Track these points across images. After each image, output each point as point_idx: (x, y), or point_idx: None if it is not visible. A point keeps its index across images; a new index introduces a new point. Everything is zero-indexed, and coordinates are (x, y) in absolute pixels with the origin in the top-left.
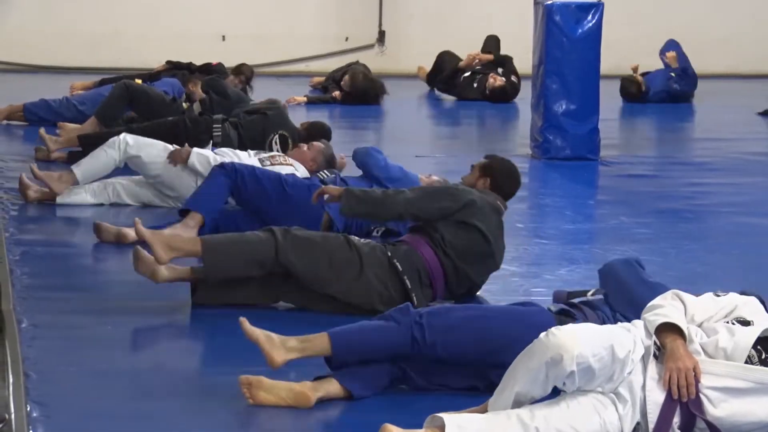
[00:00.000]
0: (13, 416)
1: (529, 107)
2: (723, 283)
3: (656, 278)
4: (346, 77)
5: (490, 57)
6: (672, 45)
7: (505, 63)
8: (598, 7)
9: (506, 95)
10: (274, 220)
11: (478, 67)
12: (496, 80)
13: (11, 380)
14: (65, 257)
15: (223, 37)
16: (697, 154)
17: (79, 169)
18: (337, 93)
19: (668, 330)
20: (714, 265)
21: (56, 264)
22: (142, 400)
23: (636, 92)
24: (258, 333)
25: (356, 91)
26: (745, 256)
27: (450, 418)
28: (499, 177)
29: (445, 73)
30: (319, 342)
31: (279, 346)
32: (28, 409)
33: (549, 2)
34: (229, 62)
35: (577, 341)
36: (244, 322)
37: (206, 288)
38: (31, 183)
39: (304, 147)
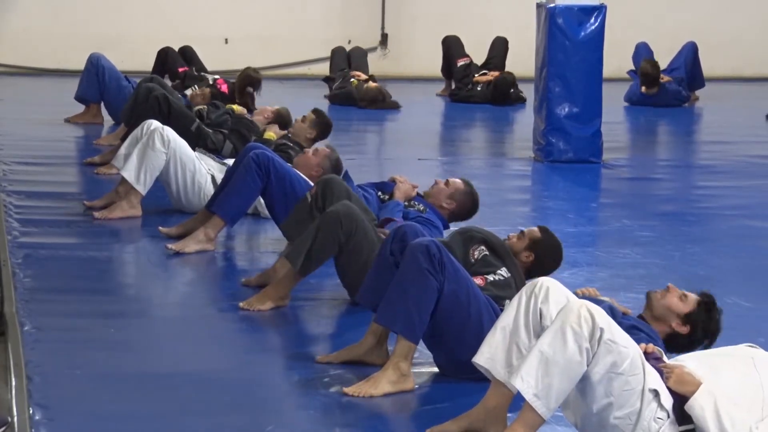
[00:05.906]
0: (15, 419)
1: (532, 110)
2: (727, 286)
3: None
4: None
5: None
6: (643, 50)
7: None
8: (601, 10)
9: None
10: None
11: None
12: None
13: (14, 383)
14: (68, 260)
15: (226, 39)
16: (701, 157)
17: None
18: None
19: None
20: (718, 268)
21: (59, 267)
22: (144, 403)
23: (654, 74)
24: (384, 387)
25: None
26: (749, 259)
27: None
28: (544, 258)
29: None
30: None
31: (397, 381)
32: (31, 412)
33: (552, 5)
34: (232, 65)
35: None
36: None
37: None
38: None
39: (309, 152)
